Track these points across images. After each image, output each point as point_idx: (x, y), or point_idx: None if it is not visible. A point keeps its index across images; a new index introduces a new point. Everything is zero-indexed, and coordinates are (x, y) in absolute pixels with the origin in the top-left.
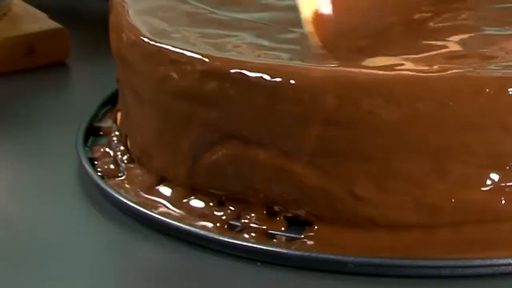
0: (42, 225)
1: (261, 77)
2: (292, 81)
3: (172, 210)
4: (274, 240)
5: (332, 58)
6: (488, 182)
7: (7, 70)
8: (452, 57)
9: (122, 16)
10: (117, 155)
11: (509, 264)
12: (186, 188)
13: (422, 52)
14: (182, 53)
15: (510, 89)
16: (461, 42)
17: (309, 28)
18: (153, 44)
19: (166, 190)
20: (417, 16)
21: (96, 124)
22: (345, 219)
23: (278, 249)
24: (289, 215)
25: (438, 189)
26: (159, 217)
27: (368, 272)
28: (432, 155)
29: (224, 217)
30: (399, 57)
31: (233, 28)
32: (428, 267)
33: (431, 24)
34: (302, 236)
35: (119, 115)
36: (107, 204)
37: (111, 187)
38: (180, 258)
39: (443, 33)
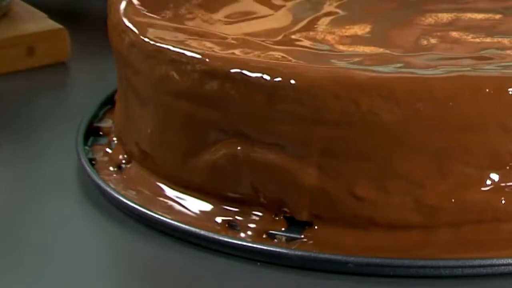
0: (42, 225)
1: (261, 77)
2: (292, 81)
3: (172, 210)
4: (274, 240)
5: None
6: (488, 182)
7: (7, 70)
8: (451, 57)
9: (121, 16)
10: (117, 155)
11: (509, 264)
12: (186, 187)
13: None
14: (182, 53)
15: (510, 89)
16: (456, 41)
17: None
18: (153, 44)
19: (166, 190)
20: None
21: (96, 124)
22: (345, 219)
23: (278, 249)
24: (289, 215)
25: (438, 189)
26: (159, 217)
27: (368, 272)
28: (432, 155)
29: (224, 217)
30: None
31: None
32: (428, 267)
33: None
34: (302, 236)
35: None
36: (107, 204)
37: (111, 187)
38: (180, 258)
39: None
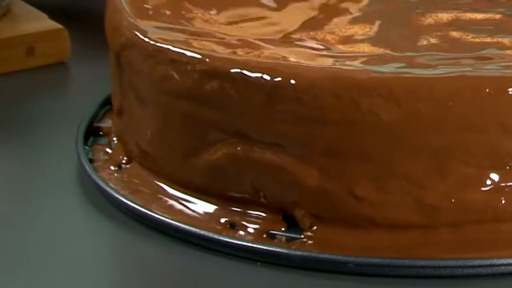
0: (42, 225)
1: (261, 77)
2: (292, 81)
3: (172, 210)
4: (274, 240)
5: None
6: (488, 182)
7: (7, 70)
8: (451, 57)
9: (122, 15)
10: (117, 155)
11: (509, 264)
12: (186, 187)
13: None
14: (182, 53)
15: (510, 89)
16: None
17: None
18: (153, 44)
19: (166, 190)
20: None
21: (96, 124)
22: (345, 219)
23: (278, 249)
24: (289, 215)
25: (438, 189)
26: (159, 217)
27: (368, 272)
28: (432, 155)
29: (224, 217)
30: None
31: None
32: (428, 267)
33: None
34: (302, 236)
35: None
36: (107, 204)
37: (111, 187)
38: (180, 258)
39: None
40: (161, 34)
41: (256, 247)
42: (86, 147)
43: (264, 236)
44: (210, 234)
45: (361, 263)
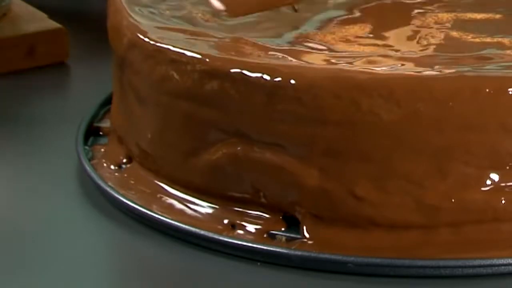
0: (42, 225)
1: (261, 77)
2: (292, 81)
3: (172, 210)
4: (274, 240)
5: None
6: (488, 182)
7: (7, 70)
8: (451, 57)
9: (122, 15)
10: (117, 155)
11: (509, 264)
12: (186, 187)
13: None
14: (182, 53)
15: (510, 89)
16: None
17: None
18: (153, 44)
19: (166, 190)
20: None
21: (96, 124)
22: (345, 219)
23: (278, 249)
24: (289, 215)
25: (438, 189)
26: (159, 217)
27: (368, 272)
28: (432, 155)
29: (224, 217)
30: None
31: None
32: (428, 267)
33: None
34: (302, 236)
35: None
36: (107, 204)
37: (111, 187)
38: (180, 258)
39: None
40: (161, 34)
41: (256, 247)
42: (86, 147)
43: (264, 236)
44: (210, 234)
45: (361, 263)
